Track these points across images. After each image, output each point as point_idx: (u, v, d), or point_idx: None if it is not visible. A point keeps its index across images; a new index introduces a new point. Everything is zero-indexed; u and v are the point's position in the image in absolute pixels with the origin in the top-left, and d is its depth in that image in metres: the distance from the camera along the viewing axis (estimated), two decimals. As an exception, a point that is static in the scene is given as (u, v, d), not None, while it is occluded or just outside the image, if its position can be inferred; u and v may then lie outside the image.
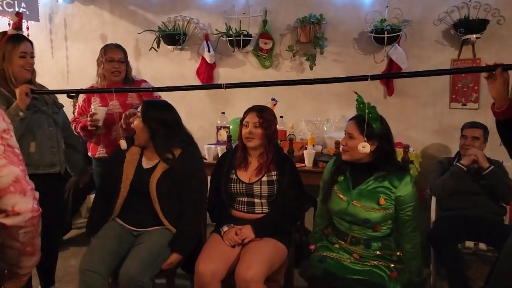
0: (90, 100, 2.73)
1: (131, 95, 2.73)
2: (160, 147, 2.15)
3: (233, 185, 2.22)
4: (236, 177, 2.22)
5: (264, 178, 2.19)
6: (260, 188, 2.18)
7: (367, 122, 1.84)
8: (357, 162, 1.95)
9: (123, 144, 2.21)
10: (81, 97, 2.81)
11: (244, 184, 2.20)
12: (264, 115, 2.19)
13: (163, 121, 2.16)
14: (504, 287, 1.64)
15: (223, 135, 2.46)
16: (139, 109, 2.21)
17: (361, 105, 1.85)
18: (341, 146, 2.00)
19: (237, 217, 2.23)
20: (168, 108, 2.24)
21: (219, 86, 1.97)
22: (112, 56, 2.68)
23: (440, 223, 2.68)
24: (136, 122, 2.17)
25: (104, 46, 2.79)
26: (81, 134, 2.68)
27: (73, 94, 3.78)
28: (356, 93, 1.88)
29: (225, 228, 2.17)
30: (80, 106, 2.78)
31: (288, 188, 2.19)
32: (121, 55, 2.72)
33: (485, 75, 1.54)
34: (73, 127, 2.67)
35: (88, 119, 2.54)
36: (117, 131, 2.67)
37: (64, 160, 2.40)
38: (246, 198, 2.22)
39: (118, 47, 2.76)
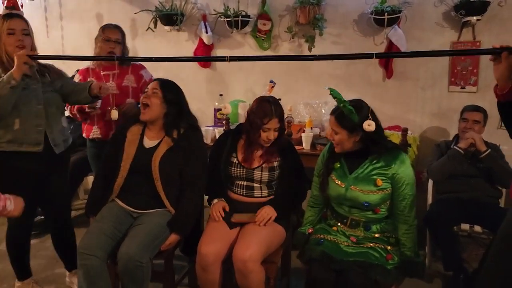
0: (86, 81, 2.70)
1: (128, 78, 2.71)
2: (169, 126, 2.19)
3: (234, 169, 2.21)
4: (237, 161, 2.22)
5: (265, 164, 2.19)
6: (261, 174, 2.18)
7: (346, 115, 1.82)
8: (349, 151, 1.96)
9: (114, 114, 2.20)
10: (77, 77, 2.77)
11: (245, 169, 2.19)
12: (283, 121, 2.18)
13: (178, 102, 2.23)
14: (497, 270, 1.67)
15: (228, 108, 2.39)
16: (150, 86, 2.21)
17: (335, 99, 1.82)
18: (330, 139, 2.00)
19: (235, 199, 2.24)
20: (180, 90, 2.30)
21: (223, 59, 1.96)
22: (109, 35, 2.65)
23: (436, 205, 2.70)
24: (154, 99, 2.17)
25: (103, 25, 2.77)
26: (77, 115, 2.68)
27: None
28: (328, 88, 1.84)
29: (215, 201, 2.20)
30: None
31: (290, 173, 2.20)
32: (118, 35, 2.70)
33: (490, 57, 1.54)
34: (68, 109, 2.65)
35: None
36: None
37: (63, 140, 2.36)
38: (245, 182, 2.22)
39: (116, 27, 2.75)
